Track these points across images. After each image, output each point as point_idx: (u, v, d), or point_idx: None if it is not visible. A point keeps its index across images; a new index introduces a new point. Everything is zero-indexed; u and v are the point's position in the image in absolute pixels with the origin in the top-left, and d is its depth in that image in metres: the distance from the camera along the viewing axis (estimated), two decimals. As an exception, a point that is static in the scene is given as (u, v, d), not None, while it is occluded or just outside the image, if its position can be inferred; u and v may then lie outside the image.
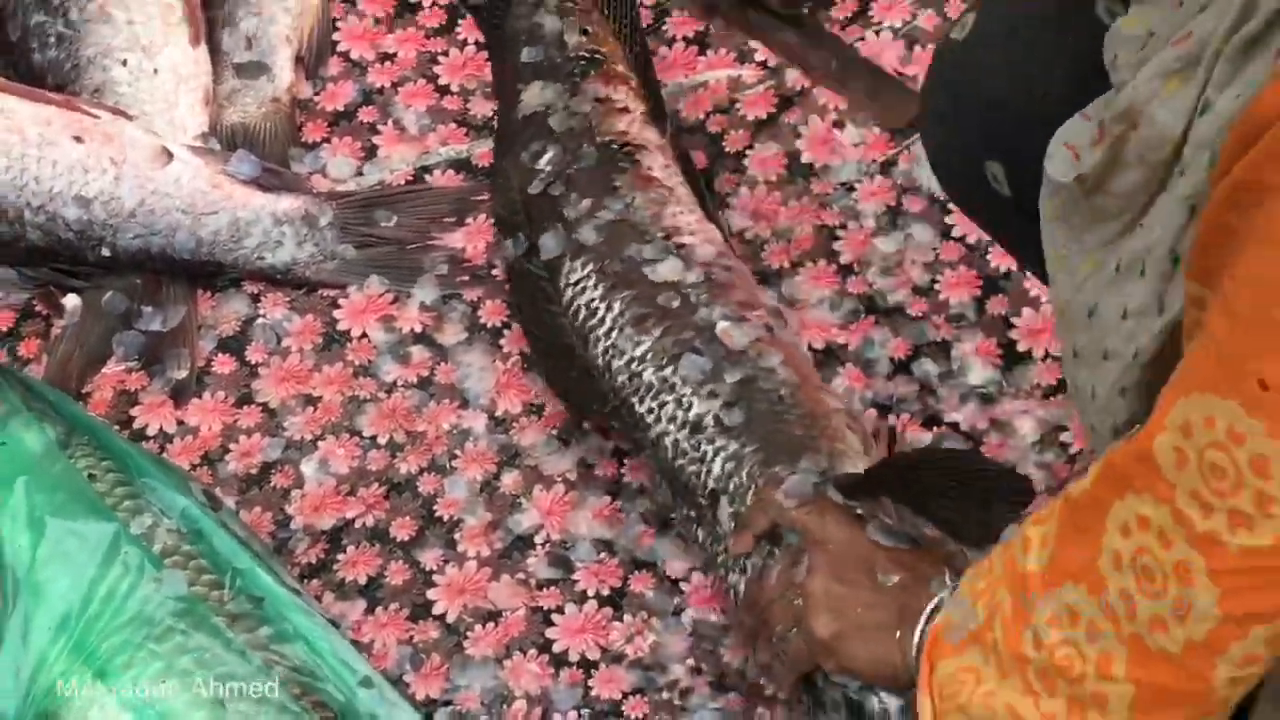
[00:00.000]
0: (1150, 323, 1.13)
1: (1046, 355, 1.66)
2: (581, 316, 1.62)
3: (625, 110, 1.73)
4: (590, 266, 1.63)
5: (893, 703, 1.41)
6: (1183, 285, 1.07)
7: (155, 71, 1.77)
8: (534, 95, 1.73)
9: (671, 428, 1.55)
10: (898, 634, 1.37)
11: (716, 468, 1.53)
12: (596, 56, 1.77)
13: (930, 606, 1.34)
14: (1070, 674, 1.12)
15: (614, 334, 1.60)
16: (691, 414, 1.54)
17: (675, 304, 1.59)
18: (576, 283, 1.63)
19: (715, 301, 1.59)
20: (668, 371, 1.56)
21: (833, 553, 1.44)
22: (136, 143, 1.70)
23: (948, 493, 1.48)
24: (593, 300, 1.62)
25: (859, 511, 1.46)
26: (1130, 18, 1.16)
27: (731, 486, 1.52)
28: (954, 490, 1.47)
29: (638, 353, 1.58)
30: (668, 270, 1.61)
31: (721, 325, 1.57)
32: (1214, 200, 0.99)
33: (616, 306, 1.61)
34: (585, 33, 1.78)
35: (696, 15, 1.79)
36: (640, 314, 1.60)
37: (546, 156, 1.69)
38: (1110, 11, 1.23)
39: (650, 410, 1.56)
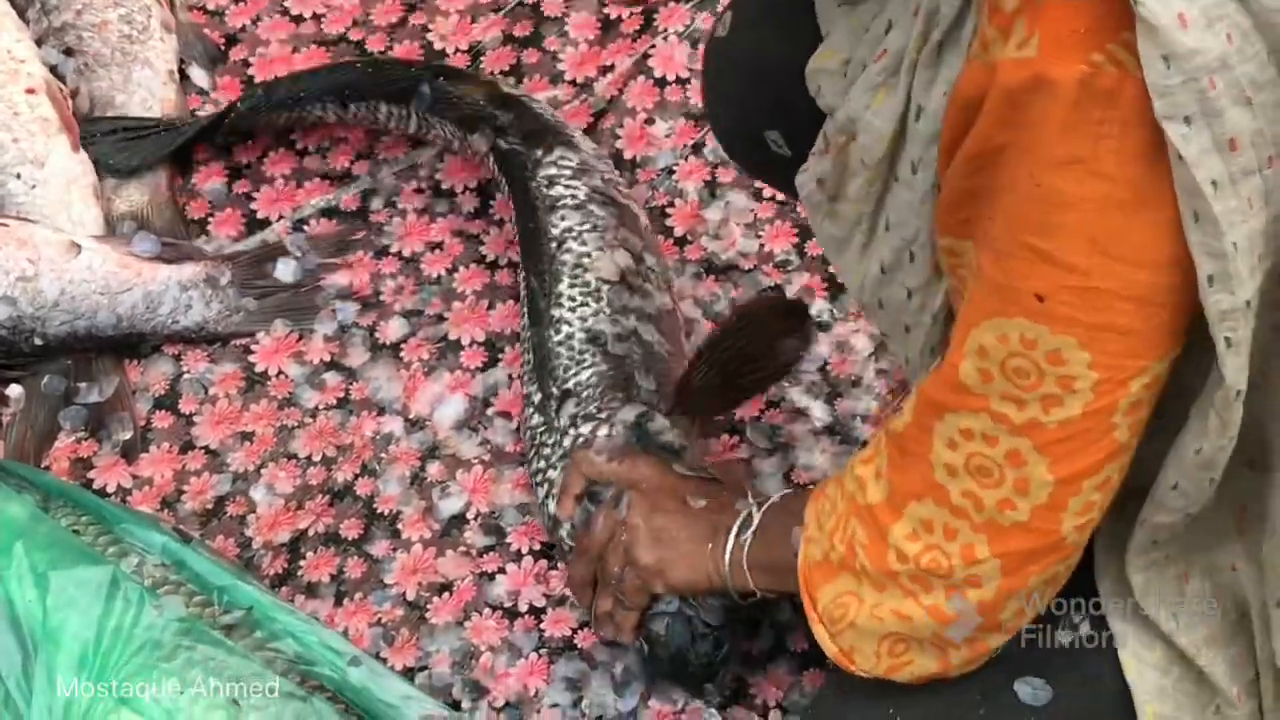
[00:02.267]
0: (935, 288, 1.27)
1: (864, 281, 1.91)
2: (556, 199, 1.84)
3: None
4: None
5: (710, 605, 1.58)
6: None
7: (47, 179, 1.90)
8: None
9: (576, 323, 1.74)
10: (709, 546, 1.52)
11: (584, 375, 1.72)
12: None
13: (739, 520, 1.50)
14: (940, 571, 1.24)
15: (584, 226, 1.81)
16: (595, 326, 1.74)
17: (643, 254, 1.81)
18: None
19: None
20: (604, 288, 1.76)
21: (646, 489, 1.60)
22: (47, 241, 1.84)
23: (742, 365, 1.64)
24: (575, 192, 1.84)
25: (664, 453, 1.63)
26: (824, 52, 1.31)
27: (583, 396, 1.71)
28: (744, 356, 1.64)
29: (591, 257, 1.78)
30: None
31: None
32: (954, 170, 1.14)
33: (598, 213, 1.82)
34: None
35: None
36: (613, 235, 1.81)
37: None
38: None
39: (570, 298, 1.76)
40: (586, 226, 1.81)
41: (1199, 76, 1.03)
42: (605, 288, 1.77)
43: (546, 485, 1.70)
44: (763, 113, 1.51)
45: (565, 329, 1.75)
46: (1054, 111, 1.06)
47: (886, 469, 1.27)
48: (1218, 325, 1.10)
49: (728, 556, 1.50)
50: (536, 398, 1.75)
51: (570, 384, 1.73)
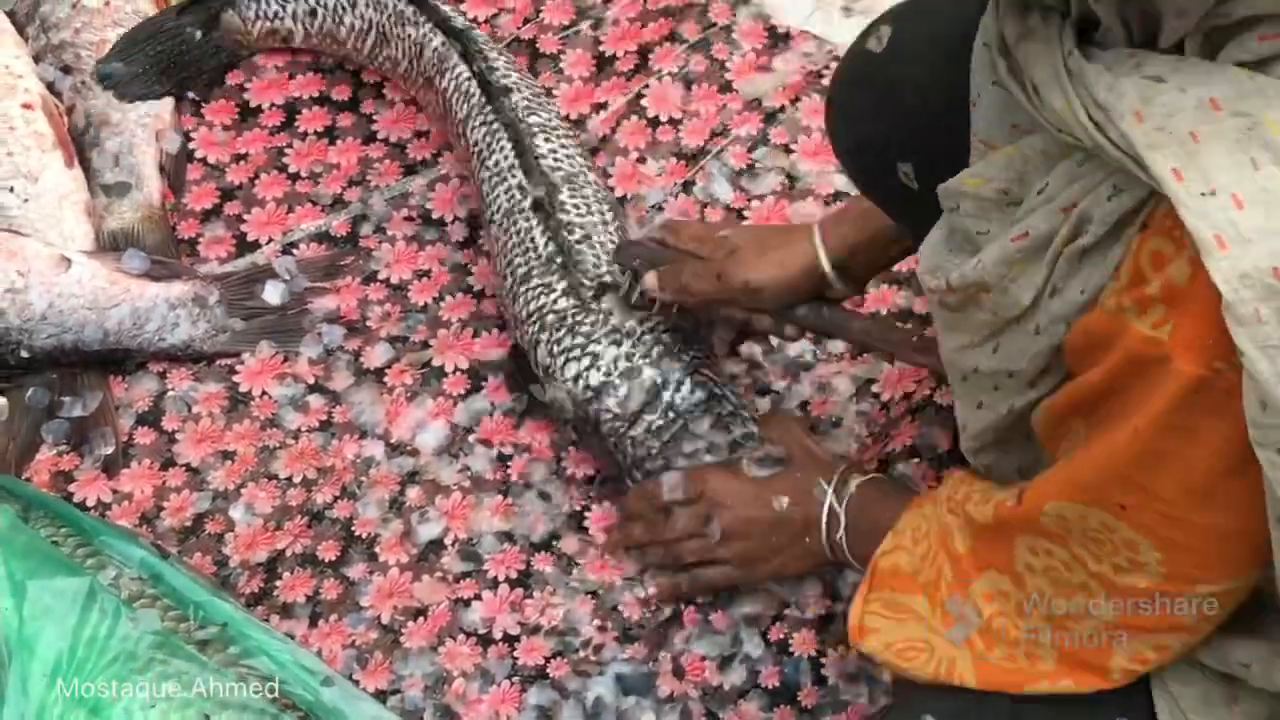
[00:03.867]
0: (1025, 395, 1.31)
1: (849, 323, 1.91)
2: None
3: None
4: None
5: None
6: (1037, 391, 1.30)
7: (39, 194, 1.92)
8: None
9: (588, 226, 1.84)
10: (806, 540, 1.61)
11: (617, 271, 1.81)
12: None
13: (825, 511, 1.60)
14: (1006, 636, 1.35)
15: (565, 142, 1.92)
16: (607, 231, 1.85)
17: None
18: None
19: None
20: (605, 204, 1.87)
21: (731, 506, 1.66)
22: (38, 254, 1.85)
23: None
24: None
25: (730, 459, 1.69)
26: (975, 179, 1.29)
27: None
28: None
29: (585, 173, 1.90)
30: None
31: None
32: (1080, 385, 1.22)
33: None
34: None
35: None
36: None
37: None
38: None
39: (574, 205, 1.86)
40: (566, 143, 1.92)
41: None
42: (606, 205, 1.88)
43: (589, 358, 1.76)
44: (899, 142, 1.48)
45: (579, 231, 1.83)
46: (1171, 391, 1.12)
47: (970, 534, 1.38)
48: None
49: (828, 548, 1.62)
50: (560, 285, 1.80)
51: (607, 278, 1.81)
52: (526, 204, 1.84)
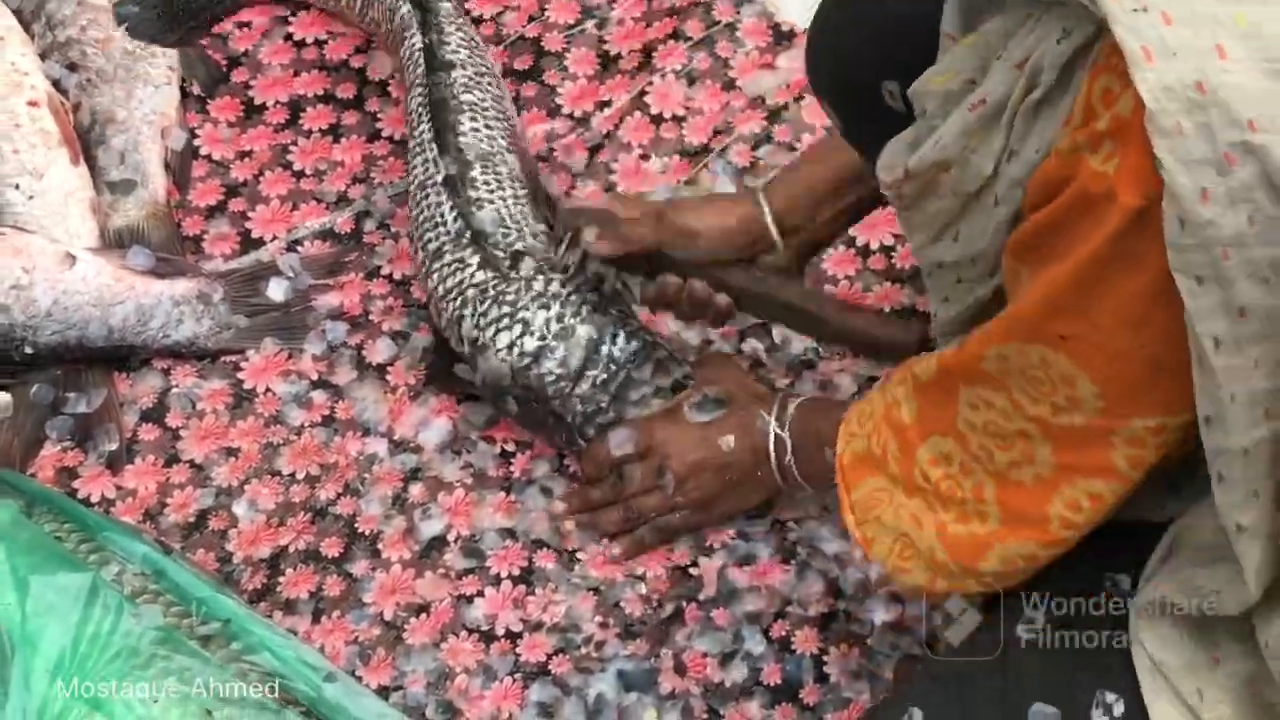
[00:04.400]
0: (986, 283, 1.36)
1: (850, 324, 1.91)
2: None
3: None
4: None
5: None
6: (998, 279, 1.33)
7: (45, 191, 1.92)
8: None
9: (498, 202, 1.86)
10: (759, 474, 1.68)
11: (529, 240, 1.83)
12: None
13: (771, 441, 1.65)
14: (955, 497, 1.39)
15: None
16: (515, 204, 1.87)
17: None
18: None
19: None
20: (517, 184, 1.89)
21: (682, 454, 1.70)
22: (43, 251, 1.86)
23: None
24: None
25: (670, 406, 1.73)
26: (940, 75, 1.31)
27: (538, 256, 1.80)
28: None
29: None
30: None
31: None
32: (1027, 227, 1.25)
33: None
34: None
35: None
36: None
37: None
38: None
39: (484, 182, 1.87)
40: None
41: (1212, 246, 1.11)
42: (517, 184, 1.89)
43: (520, 325, 1.76)
44: (885, 62, 1.46)
45: (489, 206, 1.85)
46: (1113, 224, 1.16)
47: (916, 394, 1.41)
48: (1211, 461, 1.19)
49: (779, 477, 1.67)
50: (474, 258, 1.80)
51: (519, 246, 1.82)
52: (439, 178, 1.86)
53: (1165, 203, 1.10)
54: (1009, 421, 1.31)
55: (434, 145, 1.88)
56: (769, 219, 1.73)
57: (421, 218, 1.86)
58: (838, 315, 1.78)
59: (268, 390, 1.88)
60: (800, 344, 1.89)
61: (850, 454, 1.50)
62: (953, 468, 1.38)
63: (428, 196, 1.86)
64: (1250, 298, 1.12)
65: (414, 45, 1.98)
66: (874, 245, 1.95)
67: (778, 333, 1.90)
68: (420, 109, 1.92)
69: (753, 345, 1.89)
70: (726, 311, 1.77)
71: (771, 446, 1.66)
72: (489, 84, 1.98)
